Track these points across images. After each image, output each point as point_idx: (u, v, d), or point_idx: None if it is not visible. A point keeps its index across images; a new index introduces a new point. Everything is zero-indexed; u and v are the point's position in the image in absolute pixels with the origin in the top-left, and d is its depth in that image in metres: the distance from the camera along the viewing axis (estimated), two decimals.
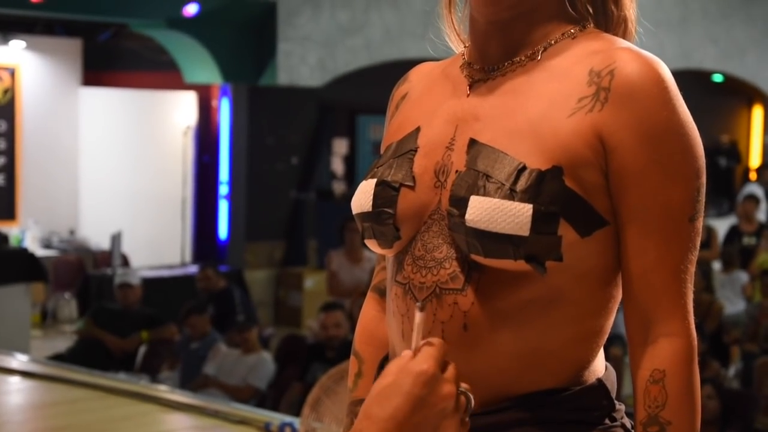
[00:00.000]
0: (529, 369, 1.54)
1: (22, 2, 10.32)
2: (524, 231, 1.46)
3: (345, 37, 12.14)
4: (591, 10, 1.65)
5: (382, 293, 1.81)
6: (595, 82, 1.51)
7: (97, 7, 10.92)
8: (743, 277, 9.89)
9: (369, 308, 1.87)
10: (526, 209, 1.46)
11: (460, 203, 1.52)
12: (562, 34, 1.60)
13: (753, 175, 15.75)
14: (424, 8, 12.19)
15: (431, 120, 1.65)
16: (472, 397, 1.38)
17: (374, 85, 13.09)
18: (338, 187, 14.69)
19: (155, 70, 13.13)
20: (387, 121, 1.78)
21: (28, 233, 11.83)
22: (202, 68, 12.00)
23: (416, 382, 1.32)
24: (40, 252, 11.23)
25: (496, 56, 1.62)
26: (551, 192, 1.47)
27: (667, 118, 1.49)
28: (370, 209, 1.62)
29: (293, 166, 12.22)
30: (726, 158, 15.71)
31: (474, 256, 1.51)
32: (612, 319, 1.60)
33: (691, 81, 15.50)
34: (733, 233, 10.82)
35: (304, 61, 11.90)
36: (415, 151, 1.63)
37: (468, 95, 1.63)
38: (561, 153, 1.49)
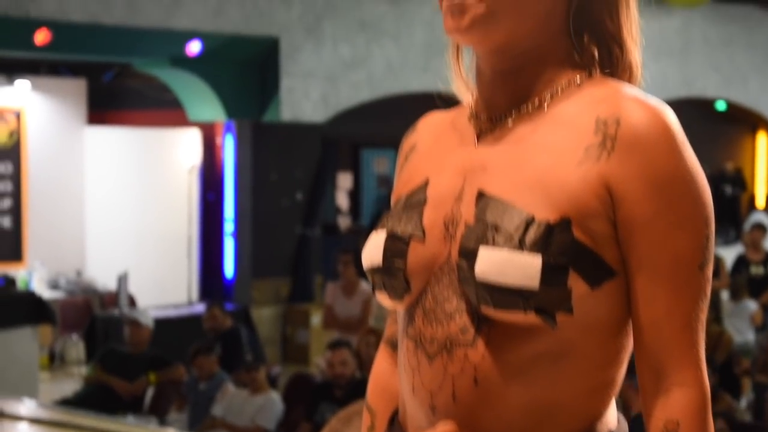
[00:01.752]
0: (541, 422, 1.53)
1: (26, 44, 10.38)
2: (534, 283, 1.45)
3: (347, 72, 12.19)
4: (596, 56, 1.64)
5: (394, 346, 1.80)
6: (602, 130, 1.51)
7: (101, 47, 10.99)
8: (752, 306, 9.87)
9: (381, 360, 1.87)
10: (536, 261, 1.46)
11: (469, 255, 1.51)
12: (568, 82, 1.60)
13: (760, 203, 15.74)
14: (426, 42, 12.27)
15: (440, 171, 1.65)
16: None
17: (377, 119, 13.25)
18: (343, 222, 14.73)
19: (159, 109, 13.19)
20: (396, 172, 1.78)
21: (35, 275, 11.83)
22: (206, 106, 12.06)
23: None
24: (47, 293, 11.24)
25: (502, 106, 1.62)
26: (560, 244, 1.47)
27: (675, 167, 1.48)
28: (380, 263, 1.62)
29: (298, 202, 12.23)
30: (731, 186, 15.72)
31: (484, 309, 1.50)
32: (624, 370, 1.59)
33: (694, 109, 15.55)
34: (741, 262, 10.80)
35: (307, 96, 11.95)
36: (425, 203, 1.63)
37: (476, 146, 1.63)
38: (569, 204, 1.49)
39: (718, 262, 10.66)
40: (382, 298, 1.66)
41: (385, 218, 1.68)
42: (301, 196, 12.25)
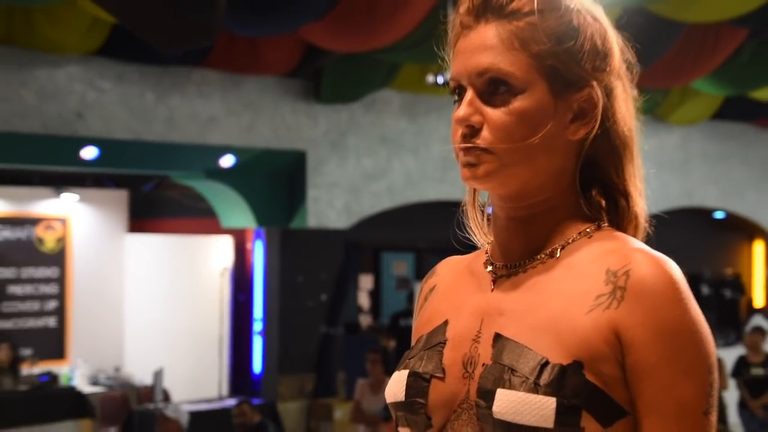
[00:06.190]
0: None
1: (73, 159, 10.51)
2: (549, 423, 1.44)
3: (369, 183, 12.26)
4: (604, 206, 1.65)
5: None
6: (612, 281, 1.50)
7: (142, 161, 11.10)
8: None
9: None
10: (550, 402, 1.45)
11: (487, 395, 1.50)
12: (579, 233, 1.60)
13: (758, 305, 15.62)
14: (442, 155, 12.36)
15: (458, 313, 1.64)
16: None
17: (397, 225, 13.31)
18: (364, 320, 14.68)
19: (194, 217, 13.26)
20: (416, 312, 1.77)
21: (77, 371, 11.81)
22: (238, 214, 12.11)
23: None
24: (88, 389, 11.20)
25: (517, 254, 1.62)
26: (573, 386, 1.45)
27: (680, 317, 1.47)
28: (403, 399, 1.62)
29: (322, 303, 12.21)
30: (731, 290, 15.64)
31: None
32: None
33: (695, 218, 15.55)
34: (741, 364, 10.70)
35: (331, 205, 12.01)
36: (444, 343, 1.62)
37: (492, 290, 1.62)
38: (580, 348, 1.48)
39: (719, 363, 10.53)
40: None
41: (407, 356, 1.67)
42: (325, 297, 12.23)
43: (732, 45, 10.49)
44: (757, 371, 10.46)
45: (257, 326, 12.37)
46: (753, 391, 10.12)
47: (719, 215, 16.06)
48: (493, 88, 1.55)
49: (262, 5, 8.10)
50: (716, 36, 10.20)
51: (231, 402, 10.85)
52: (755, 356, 10.72)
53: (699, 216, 15.66)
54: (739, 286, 15.99)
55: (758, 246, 16.77)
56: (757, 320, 12.95)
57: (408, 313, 13.27)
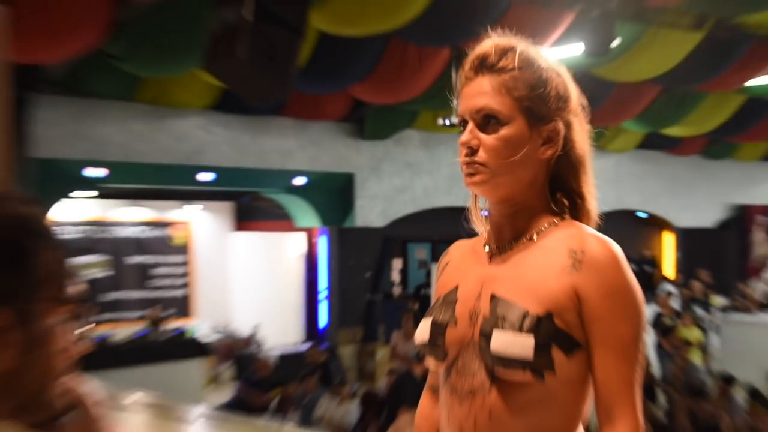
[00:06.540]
0: None
1: (194, 181, 10.57)
2: (529, 355, 1.46)
3: (398, 195, 12.23)
4: (567, 205, 1.65)
5: (434, 390, 1.81)
6: (573, 256, 1.51)
7: (242, 181, 11.14)
8: None
9: (425, 400, 1.85)
10: (530, 340, 1.46)
11: (486, 336, 1.52)
12: (549, 224, 1.60)
13: (670, 277, 15.46)
14: (449, 175, 12.32)
15: (465, 280, 1.65)
16: None
17: (418, 224, 13.28)
18: (396, 290, 14.61)
19: (278, 220, 13.30)
20: (436, 279, 1.76)
21: (200, 326, 11.89)
22: (308, 217, 12.12)
23: None
24: (208, 338, 11.24)
25: (506, 238, 1.62)
26: (546, 329, 1.47)
27: (620, 280, 1.48)
28: (428, 340, 1.63)
29: (367, 278, 12.18)
30: (649, 266, 15.50)
31: (496, 370, 1.51)
32: (588, 407, 1.57)
33: (624, 217, 15.43)
34: (657, 317, 10.64)
35: (372, 210, 11.98)
36: (456, 301, 1.63)
37: (489, 264, 1.63)
38: (551, 303, 1.49)
39: None
40: (429, 362, 1.65)
41: (431, 310, 1.67)
42: (369, 274, 12.21)
43: (649, 97, 10.42)
44: (667, 321, 10.41)
45: (322, 295, 12.39)
46: (664, 334, 10.06)
47: (642, 215, 15.95)
48: (487, 121, 1.55)
49: (322, 72, 8.12)
50: (638, 91, 10.13)
51: (305, 347, 10.88)
52: (666, 311, 10.65)
53: (628, 215, 15.55)
54: (654, 263, 15.86)
55: (667, 236, 16.64)
56: (667, 287, 12.83)
57: (427, 285, 13.23)
